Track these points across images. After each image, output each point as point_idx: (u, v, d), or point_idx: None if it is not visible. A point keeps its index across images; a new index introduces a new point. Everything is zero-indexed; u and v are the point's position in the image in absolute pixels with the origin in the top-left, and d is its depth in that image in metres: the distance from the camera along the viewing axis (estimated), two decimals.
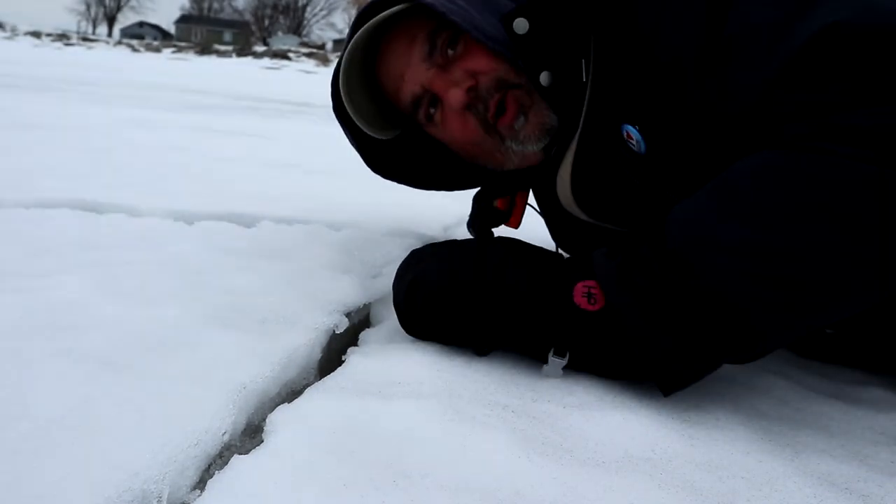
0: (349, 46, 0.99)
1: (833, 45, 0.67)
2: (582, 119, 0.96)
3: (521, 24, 0.93)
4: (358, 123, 1.06)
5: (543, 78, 0.94)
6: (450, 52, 0.99)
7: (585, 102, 0.95)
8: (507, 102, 0.99)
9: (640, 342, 0.75)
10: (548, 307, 0.81)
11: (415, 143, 1.20)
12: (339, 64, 1.06)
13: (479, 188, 1.40)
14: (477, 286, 0.83)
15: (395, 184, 1.31)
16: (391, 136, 1.14)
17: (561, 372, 0.83)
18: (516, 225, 1.34)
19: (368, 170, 1.23)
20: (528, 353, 0.85)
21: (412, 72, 1.02)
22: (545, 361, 0.83)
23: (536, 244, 0.92)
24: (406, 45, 1.01)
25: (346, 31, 1.09)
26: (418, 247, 0.94)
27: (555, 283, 0.82)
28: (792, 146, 0.68)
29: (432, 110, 1.05)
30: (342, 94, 1.03)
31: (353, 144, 1.15)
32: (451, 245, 0.91)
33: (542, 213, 1.45)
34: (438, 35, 0.99)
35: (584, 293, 0.80)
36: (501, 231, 1.39)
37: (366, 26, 0.97)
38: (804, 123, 0.68)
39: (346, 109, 1.05)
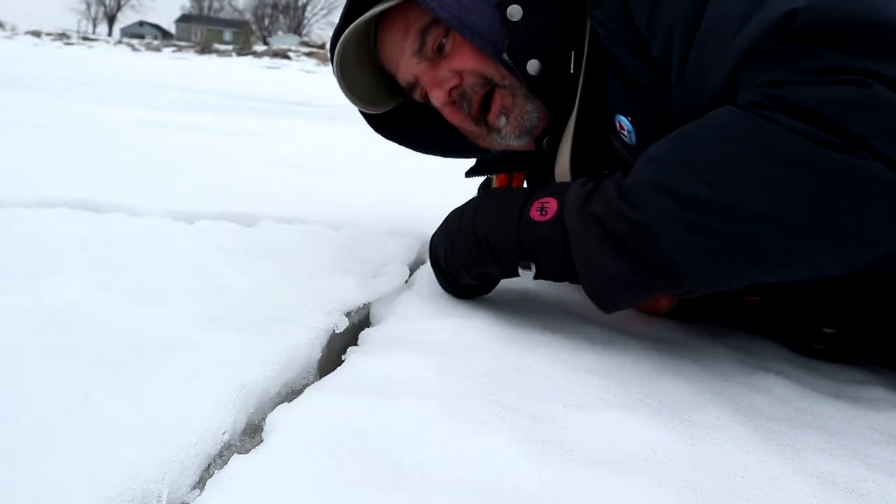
0: (344, 35, 1.03)
1: (791, 29, 0.70)
2: (575, 109, 0.98)
3: (514, 11, 0.95)
4: (351, 101, 1.14)
5: (531, 66, 0.96)
6: (443, 41, 1.03)
7: (578, 93, 0.97)
8: (492, 100, 1.04)
9: (582, 264, 0.84)
10: (508, 225, 0.92)
11: (416, 107, 1.22)
12: (332, 43, 1.09)
13: (478, 185, 1.41)
14: (457, 230, 0.99)
15: (395, 186, 1.32)
16: (391, 106, 1.20)
17: (531, 277, 0.93)
18: None
19: (368, 170, 1.24)
20: (507, 269, 0.96)
21: (404, 63, 1.07)
22: (518, 275, 0.96)
23: None
24: (401, 35, 1.05)
25: (331, 41, 1.12)
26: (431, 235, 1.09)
27: (517, 206, 0.93)
28: (745, 110, 0.73)
29: (426, 94, 1.09)
30: (335, 75, 1.09)
31: (356, 105, 1.19)
32: (452, 210, 1.05)
33: None
34: (429, 32, 1.03)
35: (538, 208, 0.90)
36: None
37: (359, 19, 1.02)
38: (759, 93, 0.72)
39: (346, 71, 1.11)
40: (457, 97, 1.04)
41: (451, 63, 1.03)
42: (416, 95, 1.11)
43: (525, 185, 1.36)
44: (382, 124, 1.22)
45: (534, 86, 0.98)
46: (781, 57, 0.71)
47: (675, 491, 0.61)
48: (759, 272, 0.76)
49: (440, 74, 1.04)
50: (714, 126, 0.76)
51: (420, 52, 1.04)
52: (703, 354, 1.00)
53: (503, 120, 1.04)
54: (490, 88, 1.02)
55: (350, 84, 1.12)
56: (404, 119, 1.24)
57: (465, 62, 1.02)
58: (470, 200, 1.03)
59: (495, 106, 1.04)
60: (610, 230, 0.81)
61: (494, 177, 1.35)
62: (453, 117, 1.09)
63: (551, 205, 0.89)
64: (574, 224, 0.85)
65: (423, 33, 1.03)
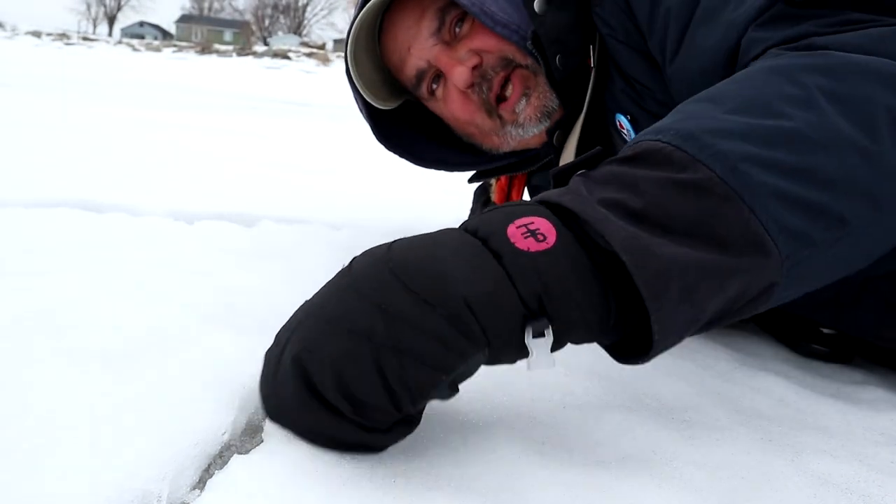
0: (361, 14, 1.00)
1: None
2: (586, 105, 0.98)
3: (539, 4, 0.94)
4: (362, 92, 1.08)
5: (560, 60, 0.94)
6: (457, 30, 1.01)
7: (589, 88, 0.97)
8: (512, 80, 1.01)
9: (633, 252, 0.52)
10: (486, 274, 0.53)
11: (417, 116, 1.21)
12: (349, 31, 1.07)
13: (477, 184, 1.41)
14: (382, 316, 0.53)
15: (395, 186, 1.32)
16: (394, 105, 1.17)
17: (551, 357, 0.56)
18: None
19: (368, 170, 1.24)
20: (503, 350, 0.55)
21: (419, 46, 1.03)
22: (524, 352, 0.56)
23: None
24: (415, 18, 1.03)
25: (347, 31, 1.10)
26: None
27: (467, 241, 0.57)
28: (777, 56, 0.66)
29: (435, 86, 1.07)
30: (348, 62, 1.05)
31: (361, 112, 1.17)
32: (306, 304, 0.64)
33: None
34: (448, 12, 1.01)
35: (523, 234, 0.55)
36: None
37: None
38: (784, 47, 0.66)
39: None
40: (477, 78, 1.01)
41: (470, 43, 1.01)
42: (424, 88, 1.08)
43: (525, 189, 1.35)
44: (387, 136, 1.20)
45: (556, 79, 0.97)
46: (795, 18, 0.67)
47: (675, 492, 0.61)
48: (848, 236, 0.56)
49: (460, 54, 1.01)
50: (752, 72, 0.61)
51: (438, 32, 1.02)
52: (703, 355, 1.00)
53: (523, 102, 1.01)
54: (509, 72, 1.00)
55: (361, 75, 1.09)
56: (404, 136, 1.23)
57: (485, 42, 1.00)
58: (354, 264, 0.59)
59: (516, 86, 1.00)
60: (641, 212, 0.54)
61: (493, 183, 1.34)
62: (465, 109, 1.05)
63: (541, 224, 0.55)
64: (594, 215, 0.54)
65: (442, 13, 1.01)
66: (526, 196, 1.37)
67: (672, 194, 0.53)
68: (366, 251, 0.61)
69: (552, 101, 1.01)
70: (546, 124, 1.03)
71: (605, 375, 0.85)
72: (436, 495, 0.57)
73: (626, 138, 0.96)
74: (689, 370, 0.92)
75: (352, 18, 1.07)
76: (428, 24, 1.02)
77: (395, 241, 0.61)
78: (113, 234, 1.28)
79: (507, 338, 0.54)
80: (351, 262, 0.60)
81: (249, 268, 1.14)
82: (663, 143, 0.56)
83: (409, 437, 0.65)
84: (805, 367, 1.00)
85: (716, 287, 0.54)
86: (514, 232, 0.55)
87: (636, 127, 0.94)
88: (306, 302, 0.62)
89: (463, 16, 1.02)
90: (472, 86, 1.02)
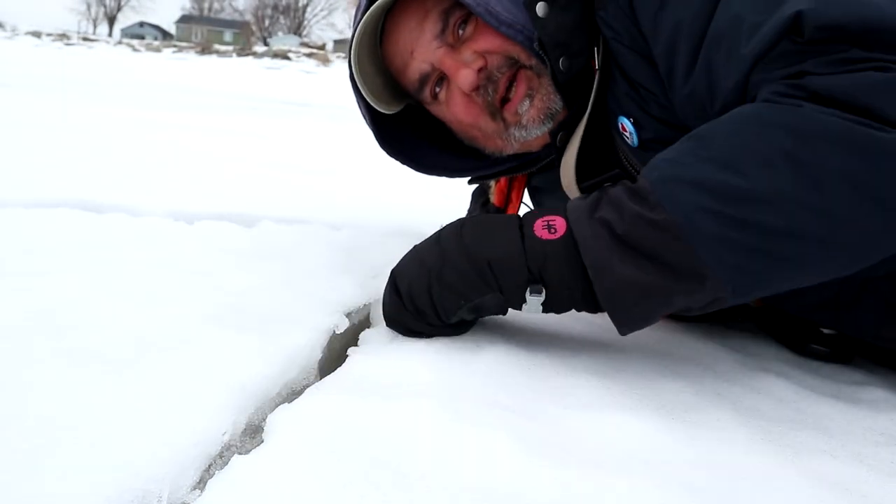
0: (364, 18, 0.99)
1: (803, 31, 0.70)
2: (590, 106, 0.97)
3: (542, 8, 0.94)
4: (366, 96, 1.07)
5: (563, 63, 0.94)
6: (461, 32, 1.01)
7: (594, 90, 0.96)
8: (516, 81, 1.00)
9: (598, 271, 0.75)
10: (512, 247, 0.81)
11: (418, 121, 1.20)
12: (352, 35, 1.06)
13: (477, 185, 1.41)
14: (441, 259, 0.84)
15: (395, 185, 1.31)
16: (396, 109, 1.16)
17: (540, 308, 0.83)
18: None
19: (368, 170, 1.23)
20: (511, 299, 0.83)
21: (422, 49, 1.03)
22: (523, 303, 0.83)
23: None
24: (418, 20, 1.02)
25: (347, 31, 1.09)
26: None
27: (513, 227, 0.82)
28: (767, 101, 0.71)
29: (438, 89, 1.06)
30: (352, 66, 1.04)
31: (364, 116, 1.15)
32: (418, 243, 0.92)
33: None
34: (451, 14, 1.00)
35: (543, 226, 0.81)
36: None
37: (381, 1, 0.97)
38: (780, 85, 0.71)
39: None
40: (482, 80, 1.01)
41: (474, 45, 1.00)
42: (427, 92, 1.07)
43: (526, 191, 1.35)
44: (389, 143, 1.19)
45: (563, 83, 0.97)
46: (798, 54, 0.71)
47: (674, 492, 0.61)
48: (796, 271, 0.71)
49: (464, 56, 1.00)
50: (738, 118, 0.73)
51: (442, 34, 1.01)
52: (703, 355, 1.00)
53: (526, 103, 1.01)
54: (514, 72, 1.00)
55: (365, 80, 1.07)
56: (405, 142, 1.22)
57: (490, 43, 0.99)
58: (443, 229, 0.90)
59: (520, 87, 1.00)
60: (622, 235, 0.74)
61: (492, 185, 1.34)
62: (469, 112, 1.05)
63: (559, 222, 0.81)
64: (583, 232, 0.77)
65: (446, 15, 1.00)
66: (526, 197, 1.37)
67: (642, 226, 0.73)
68: (460, 218, 0.91)
69: (556, 103, 1.01)
70: (549, 125, 1.03)
71: (605, 375, 0.85)
72: (435, 495, 0.57)
73: (629, 141, 0.96)
74: (689, 370, 0.92)
75: (354, 22, 1.06)
76: (431, 27, 1.01)
77: (474, 214, 0.92)
78: (113, 234, 1.28)
79: (512, 290, 0.82)
80: (447, 225, 0.90)
81: (249, 268, 1.14)
82: (649, 181, 0.74)
83: (409, 437, 0.65)
84: (805, 368, 1.00)
85: (660, 300, 0.75)
86: (539, 223, 0.81)
87: (639, 130, 0.94)
88: (415, 245, 0.92)
89: (466, 17, 1.01)
90: (477, 88, 1.01)
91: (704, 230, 0.69)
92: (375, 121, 1.14)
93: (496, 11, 0.96)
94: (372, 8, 0.98)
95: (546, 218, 0.81)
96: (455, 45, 1.01)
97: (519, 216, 0.85)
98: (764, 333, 1.14)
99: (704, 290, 0.73)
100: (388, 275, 0.92)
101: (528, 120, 1.02)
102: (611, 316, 0.77)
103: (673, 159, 0.75)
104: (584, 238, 0.77)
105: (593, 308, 0.82)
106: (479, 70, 0.99)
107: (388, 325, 0.91)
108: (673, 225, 0.71)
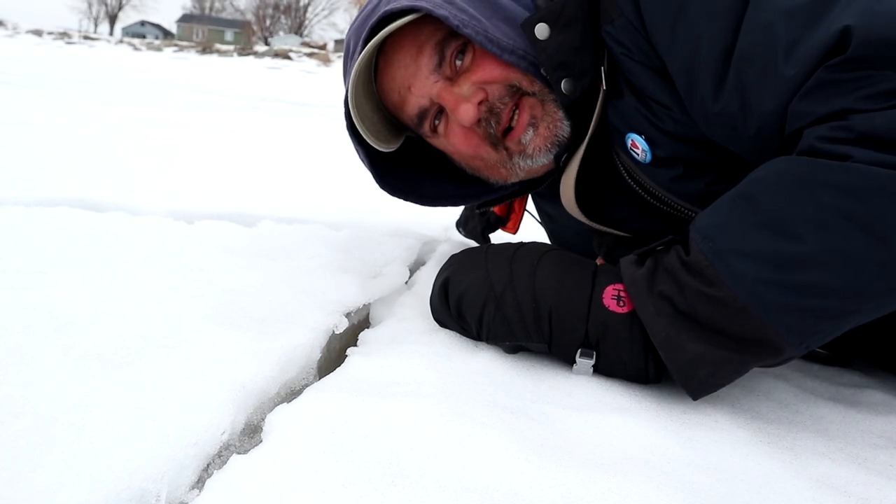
0: (359, 60, 0.94)
1: (846, 55, 0.67)
2: (592, 126, 0.94)
3: (542, 30, 0.90)
4: (366, 137, 1.02)
5: (565, 86, 0.91)
6: (458, 63, 0.97)
7: (597, 109, 0.94)
8: (519, 109, 0.96)
9: (667, 349, 0.75)
10: (577, 307, 0.82)
11: (419, 156, 1.18)
12: (345, 72, 1.04)
13: (483, 207, 1.39)
14: (507, 284, 0.85)
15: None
16: (396, 146, 1.11)
17: (591, 371, 0.84)
18: (514, 230, 1.34)
19: (368, 170, 1.21)
20: (557, 354, 0.86)
21: (420, 84, 0.99)
22: (572, 362, 0.84)
23: None
24: (413, 56, 0.98)
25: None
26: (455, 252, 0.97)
27: (584, 285, 0.83)
28: (812, 152, 0.68)
29: (437, 122, 1.02)
30: (351, 107, 0.99)
31: (363, 160, 1.11)
32: (485, 248, 0.93)
33: (540, 221, 1.45)
34: (447, 45, 0.96)
35: (613, 296, 0.81)
36: (498, 236, 1.40)
37: (376, 38, 0.92)
38: (824, 128, 0.68)
39: (354, 122, 1.01)
40: (484, 113, 0.96)
41: (473, 76, 0.96)
42: (426, 126, 1.03)
43: (530, 201, 1.34)
44: (387, 181, 1.15)
45: (565, 103, 0.94)
46: (840, 84, 0.68)
47: (673, 493, 0.61)
48: (864, 318, 0.71)
49: (463, 90, 0.96)
50: (783, 177, 0.70)
51: (439, 67, 0.97)
52: None
53: (530, 133, 0.97)
54: (517, 101, 0.96)
55: (363, 121, 1.02)
56: (405, 174, 1.18)
57: (490, 73, 0.95)
58: (520, 251, 0.90)
59: (523, 116, 0.96)
60: (685, 311, 0.74)
61: None
62: (469, 144, 1.01)
63: (627, 293, 0.81)
64: (646, 309, 0.77)
65: (441, 47, 0.96)
66: (530, 204, 1.36)
67: (704, 302, 0.73)
68: (537, 243, 0.93)
69: (563, 129, 0.96)
70: (555, 151, 0.98)
71: (604, 376, 0.85)
72: (435, 495, 0.57)
73: (640, 158, 0.92)
74: None
75: (348, 62, 1.01)
76: (427, 61, 0.97)
77: (556, 247, 0.92)
78: (113, 233, 1.28)
79: (563, 348, 0.85)
80: (523, 244, 0.92)
81: (249, 267, 1.14)
82: (704, 255, 0.73)
83: (409, 438, 0.65)
84: (804, 370, 1.00)
85: (732, 371, 0.75)
86: (609, 292, 0.82)
87: (653, 147, 0.91)
88: (482, 247, 0.95)
89: (464, 47, 0.96)
90: (477, 122, 0.97)
91: (771, 303, 0.69)
92: (373, 161, 1.11)
93: (496, 38, 0.92)
94: (367, 48, 0.93)
95: (618, 287, 0.82)
96: (453, 78, 0.97)
97: (595, 269, 0.86)
98: None
99: (779, 355, 0.73)
100: (442, 266, 0.95)
101: (534, 149, 0.98)
102: (686, 388, 0.77)
103: (722, 226, 0.73)
104: (648, 316, 0.77)
105: (644, 381, 0.83)
106: (480, 103, 0.95)
107: (433, 317, 0.97)
108: (736, 301, 0.70)
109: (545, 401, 0.77)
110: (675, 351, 0.75)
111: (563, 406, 0.76)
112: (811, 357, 1.04)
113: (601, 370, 0.84)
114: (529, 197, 1.32)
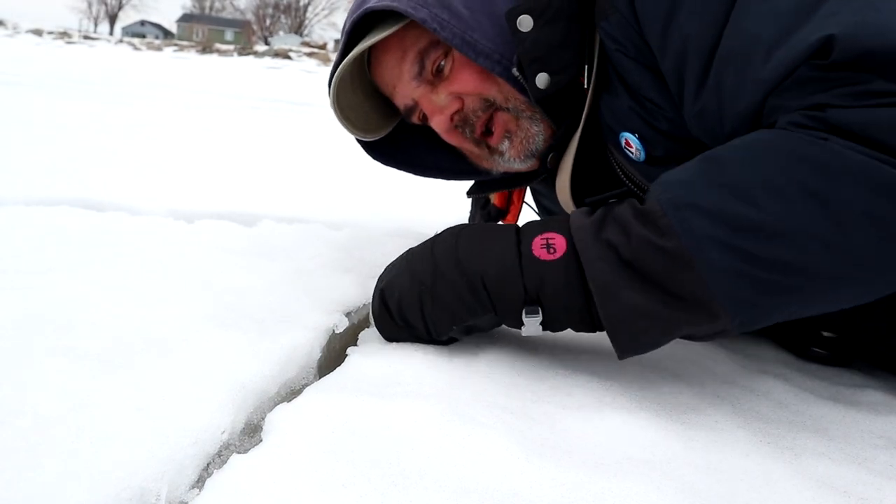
0: (343, 64, 0.98)
1: (830, 58, 0.67)
2: (581, 125, 0.95)
3: (525, 22, 0.91)
4: (349, 131, 1.08)
5: (541, 80, 0.91)
6: (442, 63, 0.99)
7: (586, 107, 0.94)
8: (493, 123, 1.00)
9: (602, 295, 0.73)
10: (508, 266, 0.79)
11: (414, 130, 1.20)
12: (331, 73, 1.05)
13: (475, 194, 1.40)
14: (434, 272, 0.82)
15: (395, 184, 1.30)
16: (386, 131, 1.16)
17: (540, 329, 0.80)
18: (514, 222, 1.34)
19: (368, 170, 1.22)
20: (505, 320, 0.82)
21: (402, 87, 1.03)
22: (521, 325, 0.81)
23: None
24: (397, 60, 1.02)
25: (329, 77, 1.08)
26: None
27: (510, 243, 0.80)
28: (786, 130, 0.69)
29: (424, 116, 1.06)
30: (332, 106, 1.04)
31: (351, 132, 1.14)
32: (410, 249, 0.90)
33: (539, 213, 1.45)
34: (427, 54, 0.99)
35: (542, 245, 0.79)
36: None
37: (357, 48, 0.97)
38: (799, 115, 0.69)
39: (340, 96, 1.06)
40: (458, 122, 1.01)
41: (450, 86, 0.99)
42: (415, 118, 1.07)
43: (528, 190, 1.34)
44: (379, 150, 1.18)
45: (542, 100, 0.94)
46: (820, 82, 0.68)
47: (673, 493, 0.61)
48: (803, 305, 0.70)
49: (440, 99, 1.00)
50: (755, 144, 0.70)
51: (420, 75, 1.00)
52: (703, 357, 1.00)
53: (506, 143, 1.00)
54: (490, 114, 0.99)
55: (344, 110, 1.07)
56: (401, 143, 1.21)
57: (466, 85, 0.98)
58: (438, 237, 0.88)
59: (497, 130, 1.00)
60: (629, 259, 0.72)
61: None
62: (453, 140, 1.05)
63: (559, 241, 0.78)
64: (588, 253, 0.75)
65: (422, 56, 0.99)
66: (529, 197, 1.37)
67: (650, 252, 0.71)
68: (449, 228, 0.89)
69: (536, 143, 0.99)
70: (531, 161, 1.02)
71: (604, 376, 0.85)
72: (435, 495, 0.57)
73: (634, 157, 0.93)
74: (688, 373, 0.92)
75: (335, 60, 1.04)
76: (409, 68, 1.00)
77: (469, 224, 0.88)
78: (113, 232, 1.28)
79: (508, 311, 0.81)
80: (439, 233, 0.88)
81: (249, 267, 1.14)
82: (660, 205, 0.71)
83: (409, 438, 0.65)
84: (804, 371, 1.00)
85: (664, 330, 0.73)
86: (538, 241, 0.79)
87: (647, 145, 0.91)
88: (407, 250, 0.91)
89: (447, 52, 0.98)
90: (454, 128, 1.01)
91: (717, 262, 0.67)
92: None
93: (474, 40, 0.93)
94: (348, 57, 0.97)
95: (545, 235, 0.79)
96: (434, 83, 1.01)
97: (517, 228, 0.83)
98: (764, 336, 1.14)
99: (712, 322, 0.71)
100: (377, 280, 0.91)
101: (510, 157, 1.02)
102: (612, 341, 0.75)
103: (685, 181, 0.72)
104: (589, 260, 0.75)
105: (590, 328, 0.81)
106: (455, 113, 0.99)
107: (379, 333, 0.91)
108: (684, 254, 0.69)
109: (545, 401, 0.77)
110: (609, 298, 0.73)
111: (563, 406, 0.76)
112: (811, 357, 1.04)
113: (549, 325, 0.81)
114: (529, 189, 1.33)
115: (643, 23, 0.83)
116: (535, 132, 0.99)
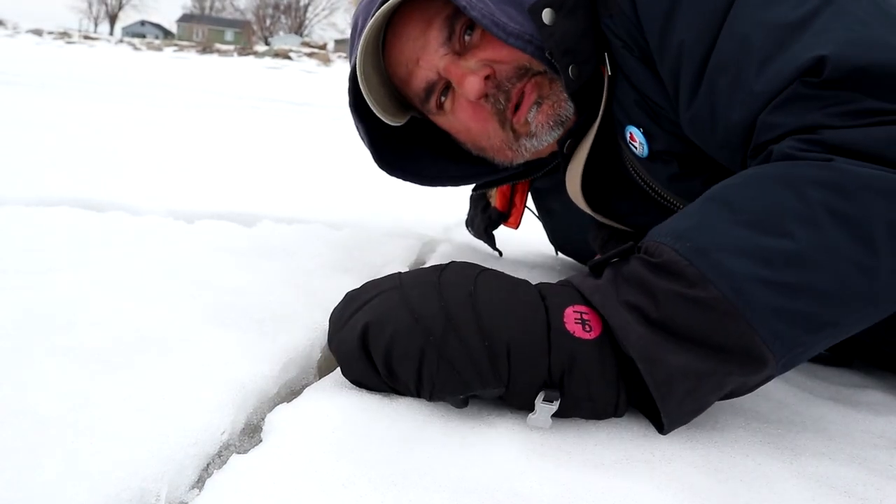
0: (366, 31, 0.95)
1: (821, 77, 0.67)
2: (600, 114, 0.95)
3: (548, 15, 0.90)
4: (372, 108, 1.03)
5: (573, 71, 0.91)
6: (466, 38, 0.97)
7: (604, 97, 0.94)
8: (526, 88, 0.96)
9: (647, 362, 0.64)
10: (537, 338, 0.66)
11: (423, 136, 1.19)
12: (352, 48, 1.04)
13: (480, 188, 1.40)
14: (445, 323, 0.66)
15: (395, 184, 1.30)
16: (402, 121, 1.12)
17: (550, 421, 0.68)
18: (516, 225, 1.34)
19: (368, 170, 1.22)
20: (513, 398, 0.69)
21: (428, 57, 0.99)
22: (530, 408, 0.68)
23: (534, 247, 0.91)
24: (422, 28, 0.98)
25: (348, 31, 1.07)
26: (354, 289, 0.78)
27: (537, 310, 0.68)
28: (789, 159, 0.68)
29: (443, 98, 1.02)
30: (359, 78, 0.99)
31: (363, 137, 1.12)
32: (398, 279, 0.73)
33: (539, 216, 1.45)
34: (456, 19, 0.97)
35: (576, 319, 0.68)
36: (501, 231, 1.40)
37: (384, 8, 0.93)
38: (794, 140, 0.68)
39: (359, 98, 1.02)
40: (491, 89, 0.96)
41: (482, 52, 0.96)
42: (432, 102, 1.03)
43: (529, 197, 1.34)
44: (385, 159, 1.16)
45: (572, 89, 0.93)
46: (812, 100, 0.68)
47: (673, 493, 0.61)
48: (842, 335, 0.66)
49: (470, 64, 0.96)
50: (761, 178, 0.67)
51: (448, 41, 0.97)
52: None
53: (534, 110, 0.97)
54: (528, 80, 0.96)
55: (371, 91, 1.02)
56: (406, 155, 1.19)
57: (498, 52, 0.96)
58: (442, 273, 0.72)
59: (529, 94, 0.96)
60: (659, 319, 0.64)
61: (493, 188, 1.33)
62: (477, 118, 1.00)
63: (593, 316, 0.68)
64: (620, 317, 0.65)
65: (451, 21, 0.96)
66: (529, 201, 1.36)
67: (682, 308, 0.63)
68: (461, 263, 0.75)
69: (566, 110, 0.97)
70: (559, 132, 0.99)
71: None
72: (435, 495, 0.57)
73: (638, 152, 0.93)
74: None
75: (354, 35, 1.02)
76: (436, 35, 0.97)
77: (486, 268, 0.74)
78: (113, 232, 1.28)
79: (521, 390, 0.67)
80: (449, 264, 0.74)
81: (249, 267, 1.14)
82: (680, 255, 0.64)
83: (409, 438, 0.65)
84: (804, 370, 1.00)
85: (714, 386, 0.65)
86: (570, 314, 0.68)
87: (651, 141, 0.91)
88: (393, 277, 0.74)
89: (473, 23, 0.96)
90: (485, 96, 0.96)
91: (760, 304, 0.61)
92: (373, 139, 1.11)
93: (503, 23, 0.92)
94: (374, 17, 0.93)
95: (578, 308, 0.68)
96: (461, 53, 0.98)
97: (537, 288, 0.72)
98: None
99: (760, 369, 0.64)
100: (345, 306, 0.74)
101: (537, 126, 0.98)
102: (662, 409, 0.65)
103: (699, 227, 0.66)
104: (620, 327, 0.65)
105: (608, 416, 0.72)
106: (487, 77, 0.95)
107: (343, 373, 0.74)
108: (722, 301, 0.62)
109: None
110: (655, 364, 0.64)
111: None
112: (811, 357, 1.04)
113: (561, 413, 0.69)
114: (529, 193, 1.33)
115: (644, 25, 0.83)
116: (565, 98, 0.97)
